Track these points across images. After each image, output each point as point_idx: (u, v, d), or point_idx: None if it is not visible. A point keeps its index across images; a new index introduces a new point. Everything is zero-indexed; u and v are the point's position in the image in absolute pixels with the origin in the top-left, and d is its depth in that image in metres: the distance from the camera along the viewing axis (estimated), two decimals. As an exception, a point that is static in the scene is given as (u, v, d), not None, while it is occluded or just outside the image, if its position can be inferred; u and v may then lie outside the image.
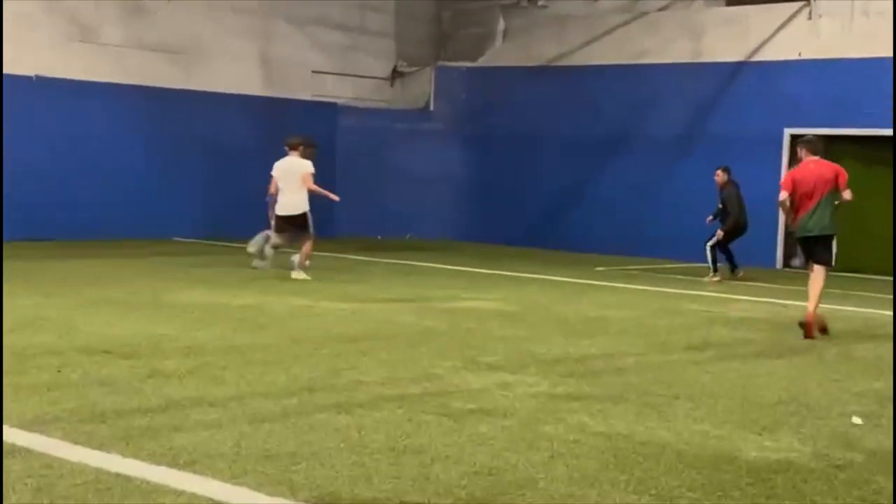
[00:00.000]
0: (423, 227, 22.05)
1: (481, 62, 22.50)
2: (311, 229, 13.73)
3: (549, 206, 20.89)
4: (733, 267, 16.04)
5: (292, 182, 13.68)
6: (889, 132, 17.18)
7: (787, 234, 18.34)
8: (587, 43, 21.01)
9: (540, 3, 21.89)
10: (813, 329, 10.07)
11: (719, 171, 16.27)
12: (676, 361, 8.56)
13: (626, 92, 20.07)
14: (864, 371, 8.35)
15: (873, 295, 14.28)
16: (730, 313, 11.88)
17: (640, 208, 19.79)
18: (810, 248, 10.59)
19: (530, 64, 21.48)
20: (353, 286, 13.14)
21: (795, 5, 18.74)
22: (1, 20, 17.64)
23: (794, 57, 18.39)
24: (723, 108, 18.99)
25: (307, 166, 13.74)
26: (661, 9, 20.44)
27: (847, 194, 10.44)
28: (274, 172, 13.94)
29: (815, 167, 10.49)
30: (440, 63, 22.87)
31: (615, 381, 7.57)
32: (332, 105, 21.86)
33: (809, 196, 10.37)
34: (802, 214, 10.42)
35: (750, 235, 17.05)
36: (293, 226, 13.78)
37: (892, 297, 14.00)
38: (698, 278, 15.73)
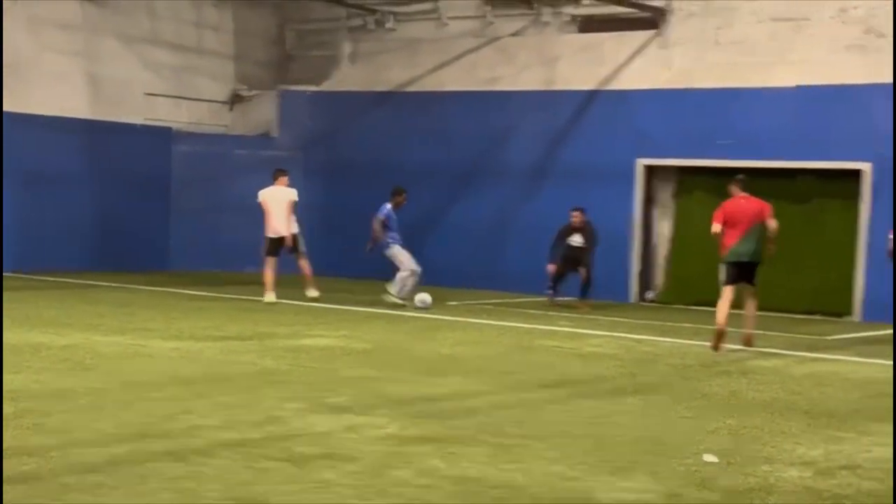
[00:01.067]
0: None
1: (327, 86, 22.53)
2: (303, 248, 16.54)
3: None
4: (554, 295, 17.04)
5: (280, 208, 16.47)
6: (742, 164, 17.87)
7: (643, 269, 18.91)
8: (438, 68, 21.28)
9: (388, 25, 22.09)
10: (720, 343, 12.27)
11: (577, 213, 16.82)
12: (530, 400, 8.71)
13: (479, 119, 20.37)
14: (718, 407, 8.65)
15: (728, 329, 14.77)
16: (584, 349, 12.13)
17: (492, 240, 20.07)
18: (740, 271, 12.60)
19: (379, 88, 21.62)
20: (187, 323, 12.93)
21: (648, 34, 19.38)
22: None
23: (647, 86, 19.00)
24: (576, 138, 19.44)
25: (293, 194, 16.62)
26: (514, 34, 20.86)
27: (772, 223, 12.69)
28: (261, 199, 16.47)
29: (744, 202, 12.78)
30: (283, 87, 22.80)
31: (468, 421, 7.65)
32: (166, 130, 21.51)
33: (738, 227, 12.56)
34: (731, 243, 12.55)
35: (604, 269, 17.51)
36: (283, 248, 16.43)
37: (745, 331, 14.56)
38: (551, 313, 16.03)
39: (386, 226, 16.44)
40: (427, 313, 15.38)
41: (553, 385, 9.51)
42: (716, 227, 12.59)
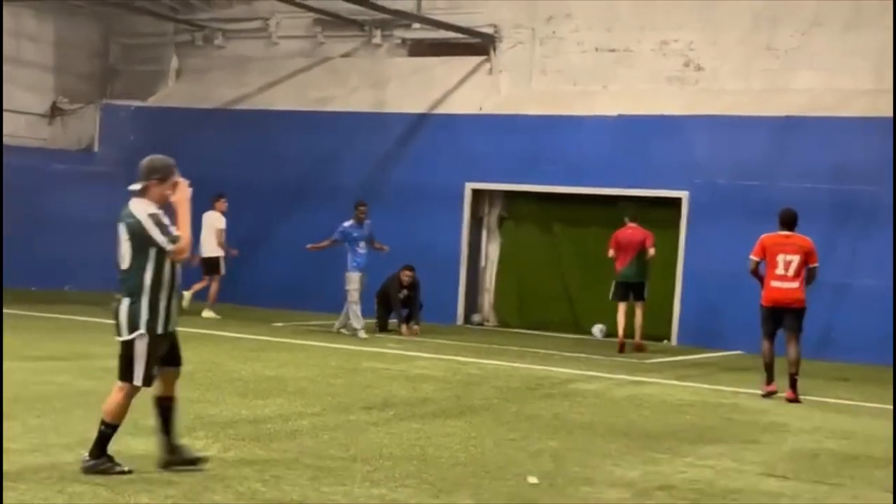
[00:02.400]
0: (84, 278, 21.12)
1: (152, 101, 22.04)
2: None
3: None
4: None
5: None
6: (566, 189, 18.25)
7: (469, 290, 19.08)
8: (267, 86, 21.08)
9: (217, 42, 21.78)
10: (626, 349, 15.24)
11: (409, 273, 16.46)
12: (355, 422, 8.65)
13: (309, 139, 20.24)
14: (541, 430, 8.76)
15: (550, 352, 15.04)
16: (411, 371, 12.14)
17: (321, 260, 19.89)
18: (628, 290, 15.45)
19: (206, 105, 21.26)
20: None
21: (477, 59, 19.64)
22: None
23: (476, 111, 19.24)
24: (406, 160, 19.52)
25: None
26: (345, 55, 20.84)
27: (651, 251, 15.38)
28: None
29: (632, 231, 15.48)
30: (106, 101, 22.19)
31: (290, 444, 7.54)
32: (-22, 143, 20.62)
33: (626, 252, 15.37)
34: (621, 267, 15.41)
35: (432, 291, 17.57)
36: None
37: (567, 354, 14.83)
38: (379, 335, 16.01)
39: (339, 242, 16.05)
40: (252, 334, 15.15)
41: (378, 407, 9.47)
42: (610, 252, 15.45)
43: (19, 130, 21.58)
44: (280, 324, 16.91)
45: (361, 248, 15.73)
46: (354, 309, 15.67)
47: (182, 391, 9.58)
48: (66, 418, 7.99)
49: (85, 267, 21.13)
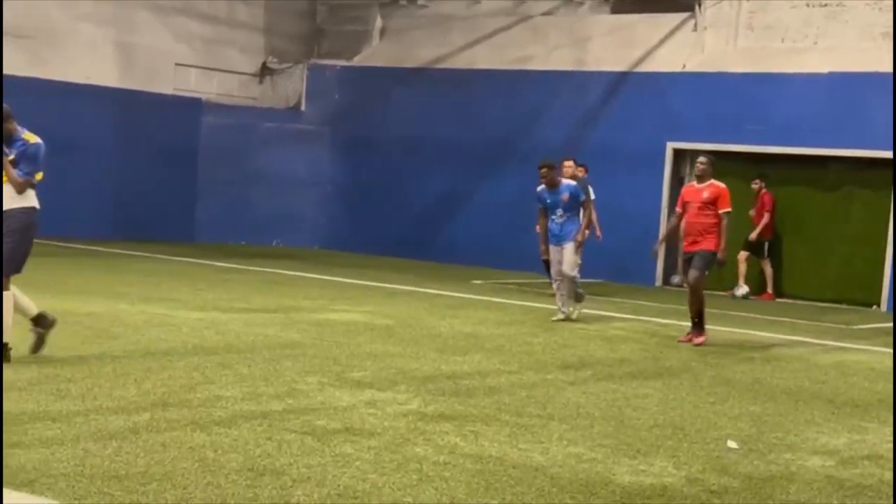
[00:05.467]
0: (291, 235, 21.89)
1: (357, 61, 22.48)
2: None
3: (426, 216, 20.96)
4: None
5: None
6: (774, 150, 17.73)
7: (668, 252, 18.80)
8: (469, 45, 21.19)
9: (420, 2, 22.00)
10: None
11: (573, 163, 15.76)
12: (552, 381, 8.68)
13: (509, 98, 20.29)
14: (741, 394, 8.60)
15: (752, 315, 14.71)
16: (608, 331, 12.10)
17: (519, 220, 19.99)
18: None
19: (409, 65, 21.55)
20: (212, 295, 12.97)
21: (681, 16, 19.23)
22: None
23: (679, 69, 18.87)
24: (606, 119, 19.34)
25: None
26: (545, 13, 20.75)
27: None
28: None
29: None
30: (313, 60, 22.77)
31: (488, 400, 7.63)
32: (196, 101, 21.55)
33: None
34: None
35: (629, 252, 17.42)
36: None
37: (770, 318, 14.48)
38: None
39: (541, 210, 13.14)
40: (451, 291, 15.37)
41: (575, 366, 9.48)
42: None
43: (232, 90, 22.45)
44: (479, 281, 17.08)
45: (558, 216, 12.96)
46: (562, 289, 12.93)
47: (382, 345, 9.89)
48: (274, 368, 8.30)
49: (291, 222, 21.92)
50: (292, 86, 22.68)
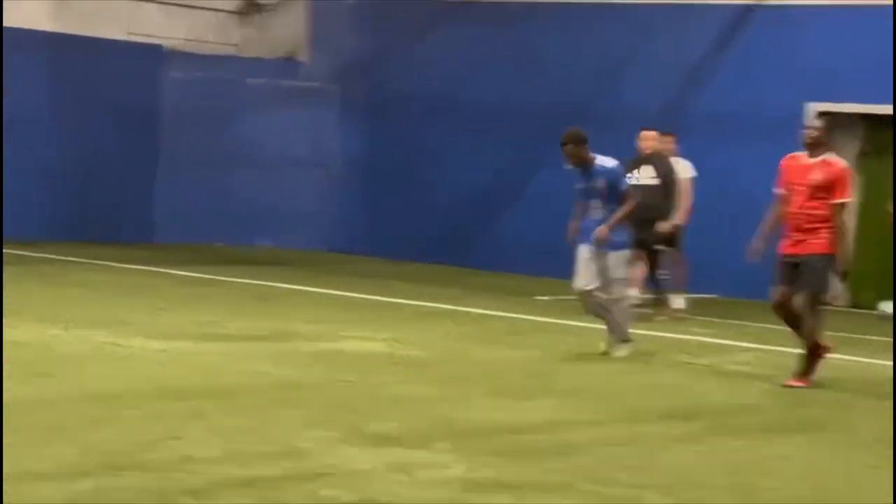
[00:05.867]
0: (284, 233, 21.95)
1: (378, -8, 22.52)
2: None
3: (469, 206, 20.94)
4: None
5: None
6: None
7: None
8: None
9: (462, -89, 22.02)
10: None
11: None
12: (650, 436, 8.64)
13: (584, 44, 20.22)
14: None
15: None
16: (725, 366, 12.04)
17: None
18: None
19: (442, -3, 21.57)
20: (178, 316, 13.01)
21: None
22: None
23: (822, 1, 18.75)
24: (721, 72, 19.24)
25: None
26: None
27: None
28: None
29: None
30: (316, -8, 22.85)
31: (561, 463, 7.59)
32: (156, 49, 21.66)
33: None
34: None
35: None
36: None
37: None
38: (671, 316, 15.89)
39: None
40: (504, 310, 15.33)
41: (681, 416, 9.43)
42: None
43: (205, 34, 22.48)
44: (544, 297, 17.03)
45: (595, 207, 12.46)
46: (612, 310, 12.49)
47: (413, 385, 9.86)
48: (266, 417, 8.30)
49: (285, 216, 21.93)
50: (288, 28, 22.74)
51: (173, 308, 13.63)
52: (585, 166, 12.35)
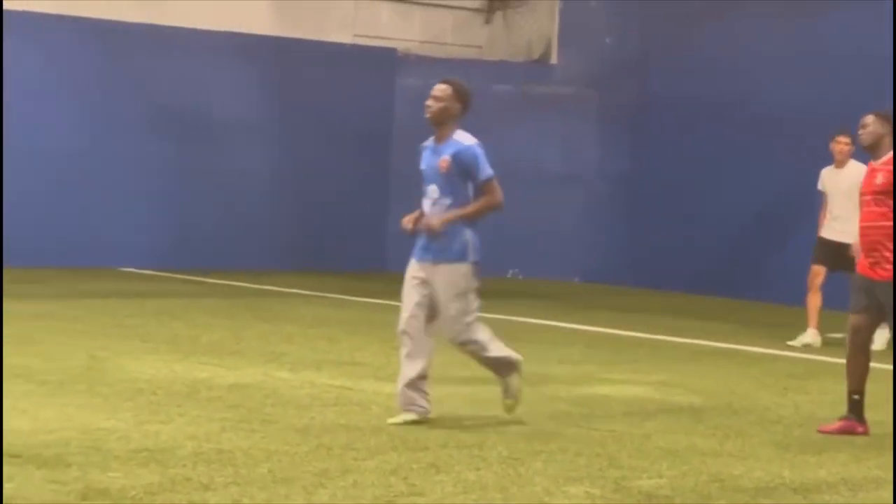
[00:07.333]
0: (531, 260, 21.98)
1: (637, -14, 22.51)
2: None
3: (749, 229, 20.71)
4: None
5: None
6: None
7: None
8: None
9: None
10: None
11: None
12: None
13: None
14: None
15: None
16: None
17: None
18: None
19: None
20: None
21: None
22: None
23: None
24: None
25: None
26: None
27: None
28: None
29: None
30: (569, -14, 22.92)
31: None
32: (388, 53, 21.94)
33: None
34: None
35: None
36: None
37: None
38: None
39: None
40: (797, 350, 15.18)
41: None
42: None
43: (444, 35, 22.63)
44: (837, 335, 16.74)
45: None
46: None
47: (685, 436, 9.82)
48: (512, 472, 8.35)
49: (536, 241, 21.88)
50: (536, 27, 22.85)
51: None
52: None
